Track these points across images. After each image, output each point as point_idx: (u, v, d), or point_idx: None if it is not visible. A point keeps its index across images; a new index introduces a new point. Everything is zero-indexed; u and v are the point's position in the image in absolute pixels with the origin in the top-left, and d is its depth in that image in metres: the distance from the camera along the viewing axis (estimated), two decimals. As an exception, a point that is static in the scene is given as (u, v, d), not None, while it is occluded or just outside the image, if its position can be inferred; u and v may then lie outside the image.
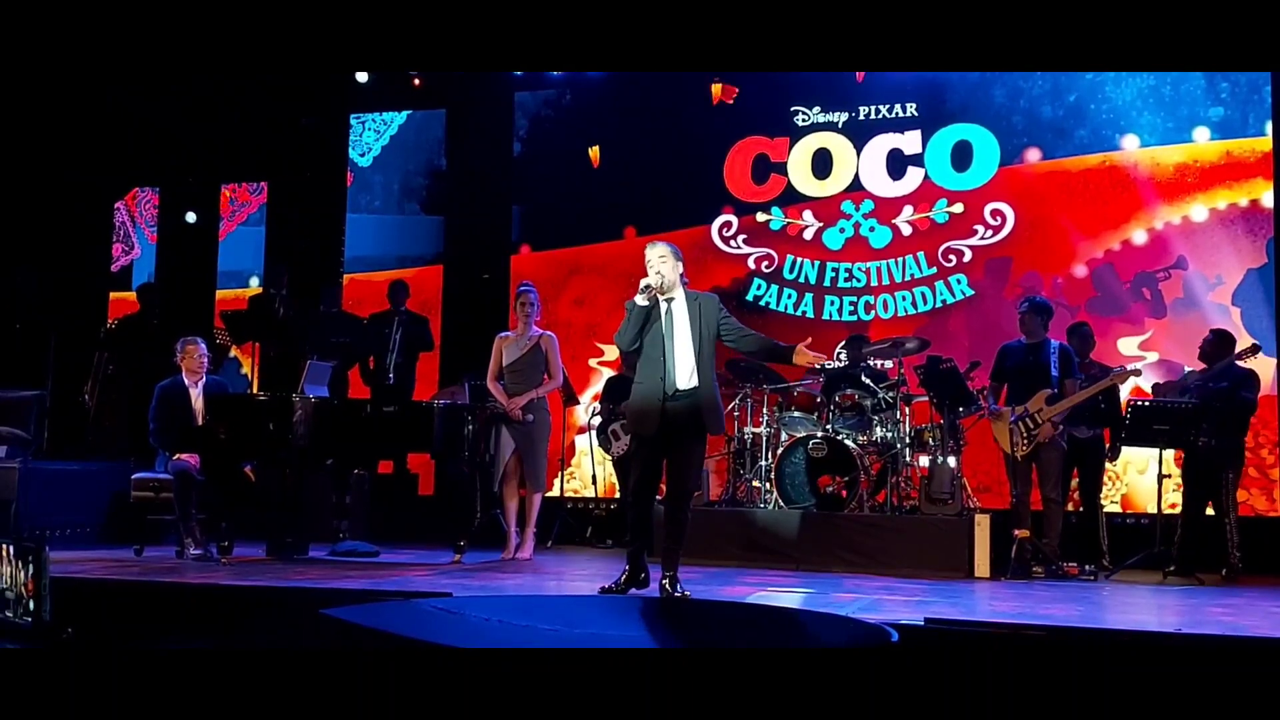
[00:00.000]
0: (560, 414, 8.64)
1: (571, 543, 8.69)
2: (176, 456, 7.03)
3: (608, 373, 9.40)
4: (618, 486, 8.91)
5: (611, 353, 9.59)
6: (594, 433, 8.86)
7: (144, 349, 8.70)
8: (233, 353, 10.05)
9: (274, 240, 10.76)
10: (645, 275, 5.16)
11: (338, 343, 8.55)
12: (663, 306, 5.18)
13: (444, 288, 10.26)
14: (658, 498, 5.61)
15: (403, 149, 10.60)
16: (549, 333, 7.26)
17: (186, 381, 7.15)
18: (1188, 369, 7.70)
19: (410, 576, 6.01)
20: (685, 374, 5.10)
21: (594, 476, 9.19)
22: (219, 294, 10.88)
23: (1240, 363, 7.05)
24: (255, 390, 9.17)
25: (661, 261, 5.11)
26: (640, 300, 5.11)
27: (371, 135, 10.64)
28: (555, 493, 8.84)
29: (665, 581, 5.15)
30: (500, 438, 7.06)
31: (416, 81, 10.28)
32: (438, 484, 9.54)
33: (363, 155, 10.64)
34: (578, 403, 9.26)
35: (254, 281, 10.86)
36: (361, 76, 10.17)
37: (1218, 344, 7.14)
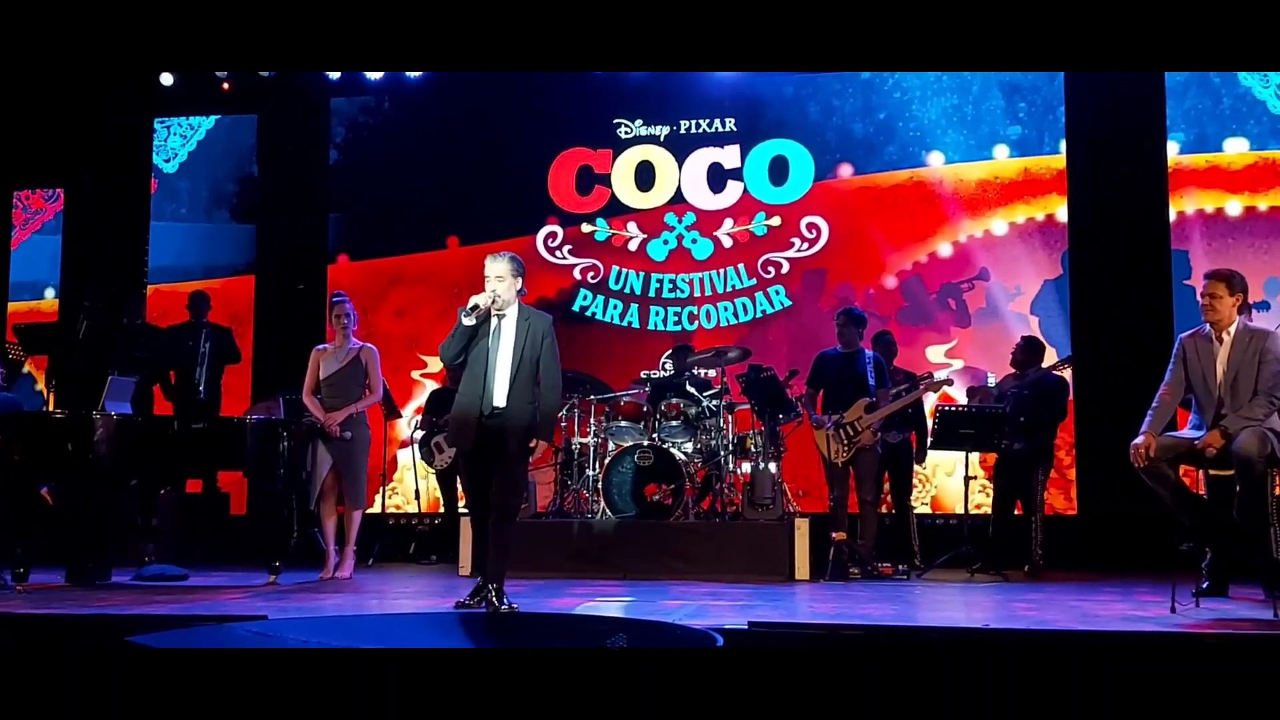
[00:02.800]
0: (381, 428, 8.44)
1: (394, 560, 8.50)
2: (-37, 479, 6.56)
3: (431, 385, 9.24)
4: (441, 501, 8.77)
5: (434, 364, 9.44)
6: (416, 446, 8.69)
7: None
8: (27, 368, 9.45)
9: (71, 249, 10.17)
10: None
11: (141, 357, 8.15)
12: (493, 322, 5.11)
13: (256, 299, 9.90)
14: None
15: (211, 155, 10.19)
16: (369, 345, 7.08)
17: (-26, 399, 6.70)
18: (990, 375, 8.07)
19: (223, 600, 5.76)
20: (503, 393, 5.06)
21: (417, 491, 9.01)
22: (11, 306, 10.23)
23: (1055, 372, 7.49)
24: (51, 408, 8.64)
25: (499, 280, 5.05)
26: (466, 320, 5.03)
27: (177, 140, 10.19)
28: (376, 509, 8.63)
29: (490, 595, 5.08)
30: (317, 454, 6.85)
31: (225, 85, 9.90)
32: (250, 503, 9.17)
33: (168, 161, 10.19)
34: (399, 416, 9.06)
35: (49, 293, 10.26)
36: (166, 78, 9.74)
37: (1028, 351, 7.57)
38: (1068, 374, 7.64)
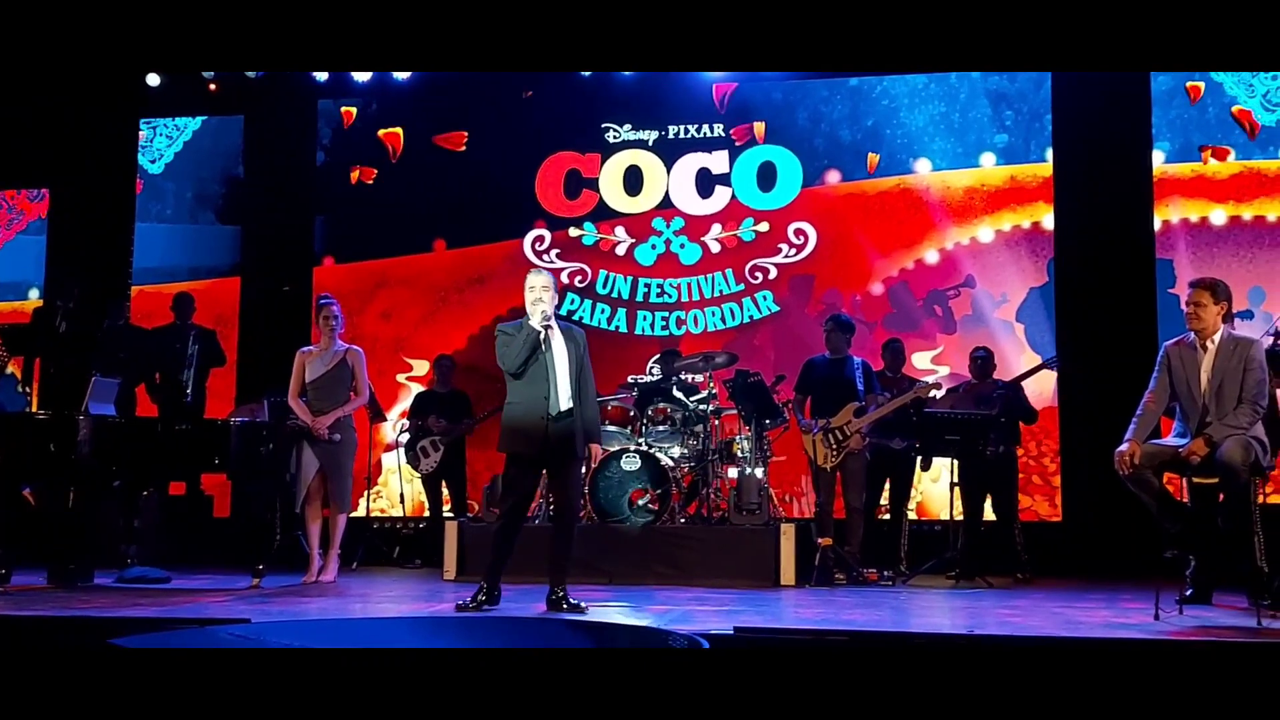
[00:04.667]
0: (366, 431, 8.41)
1: (378, 563, 8.47)
2: (-55, 480, 6.52)
3: (416, 388, 9.22)
4: (427, 505, 8.74)
5: (420, 368, 9.42)
6: (402, 450, 8.66)
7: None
8: (9, 369, 9.39)
9: (56, 250, 10.12)
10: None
11: (125, 359, 8.10)
12: (542, 332, 5.38)
13: (241, 300, 9.86)
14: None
15: (197, 156, 10.15)
16: (355, 347, 7.06)
17: (-43, 400, 6.66)
18: (963, 384, 8.09)
19: (205, 602, 5.73)
20: (566, 396, 5.37)
21: (402, 495, 8.99)
22: (-4, 306, 10.19)
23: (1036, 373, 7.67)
24: (35, 408, 8.59)
25: (545, 291, 5.37)
26: (541, 327, 5.32)
27: (163, 141, 10.15)
28: (361, 512, 8.60)
29: (557, 597, 5.40)
30: (303, 456, 6.82)
31: (212, 86, 9.86)
32: (234, 505, 9.15)
33: (153, 161, 10.15)
34: (385, 419, 9.04)
35: (33, 293, 10.21)
36: (152, 79, 9.70)
37: (988, 360, 7.70)
38: (1039, 377, 7.75)
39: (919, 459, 7.69)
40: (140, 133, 10.17)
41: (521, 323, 5.38)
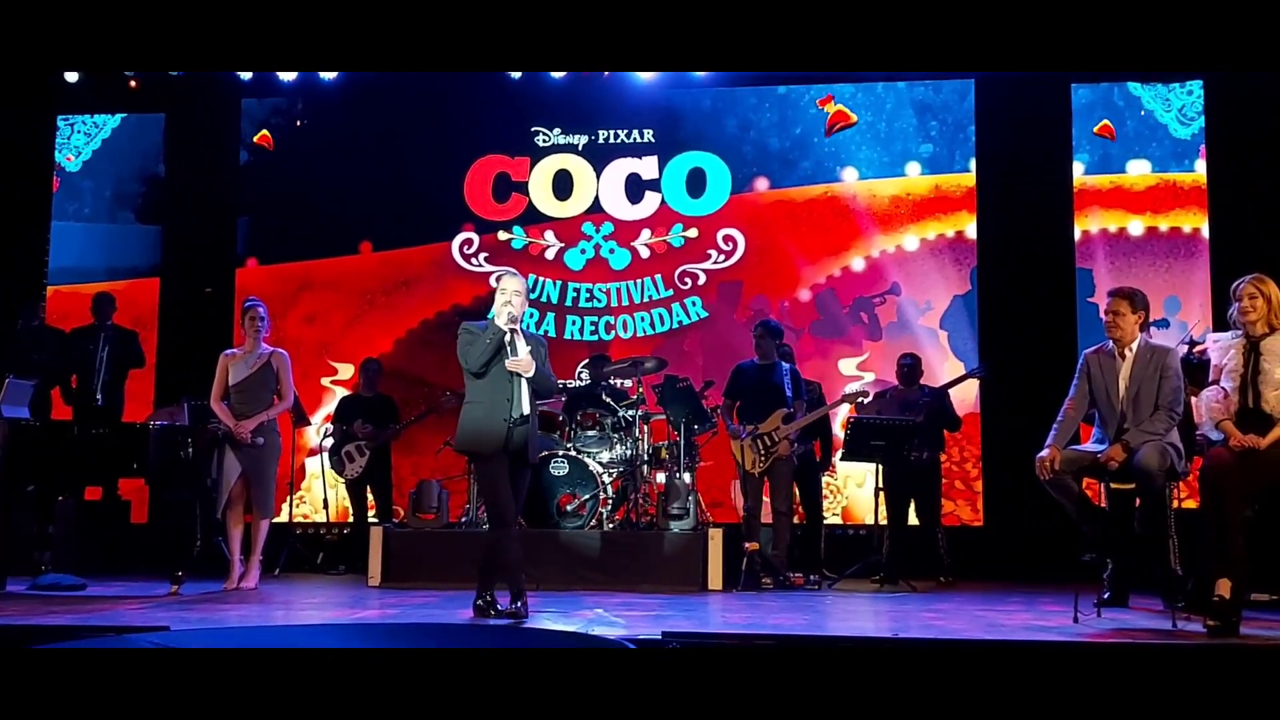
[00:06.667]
0: (290, 435, 8.28)
1: (301, 570, 8.34)
2: None
3: (341, 392, 9.10)
4: (350, 510, 8.63)
5: (345, 371, 9.31)
6: (326, 455, 8.54)
7: None
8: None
9: (-32, 248, 9.83)
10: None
11: (39, 360, 7.89)
12: (507, 336, 5.37)
13: (161, 301, 9.65)
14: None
15: (116, 154, 9.92)
16: (280, 350, 6.95)
17: None
18: (889, 389, 8.20)
19: (122, 610, 5.59)
20: (527, 401, 5.36)
21: (325, 500, 8.86)
22: (-99, 306, 9.85)
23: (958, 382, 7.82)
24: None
25: (516, 295, 5.39)
26: (507, 329, 5.32)
27: (81, 138, 9.90)
28: (283, 518, 8.46)
29: (485, 603, 5.34)
30: (225, 461, 6.70)
31: (133, 83, 9.64)
32: (152, 511, 8.95)
33: (71, 159, 9.90)
34: (309, 424, 8.91)
35: (-58, 294, 9.89)
36: (71, 75, 9.46)
37: (915, 366, 7.80)
38: (975, 383, 7.86)
39: (819, 460, 7.78)
40: (57, 129, 9.91)
41: (487, 322, 5.35)
